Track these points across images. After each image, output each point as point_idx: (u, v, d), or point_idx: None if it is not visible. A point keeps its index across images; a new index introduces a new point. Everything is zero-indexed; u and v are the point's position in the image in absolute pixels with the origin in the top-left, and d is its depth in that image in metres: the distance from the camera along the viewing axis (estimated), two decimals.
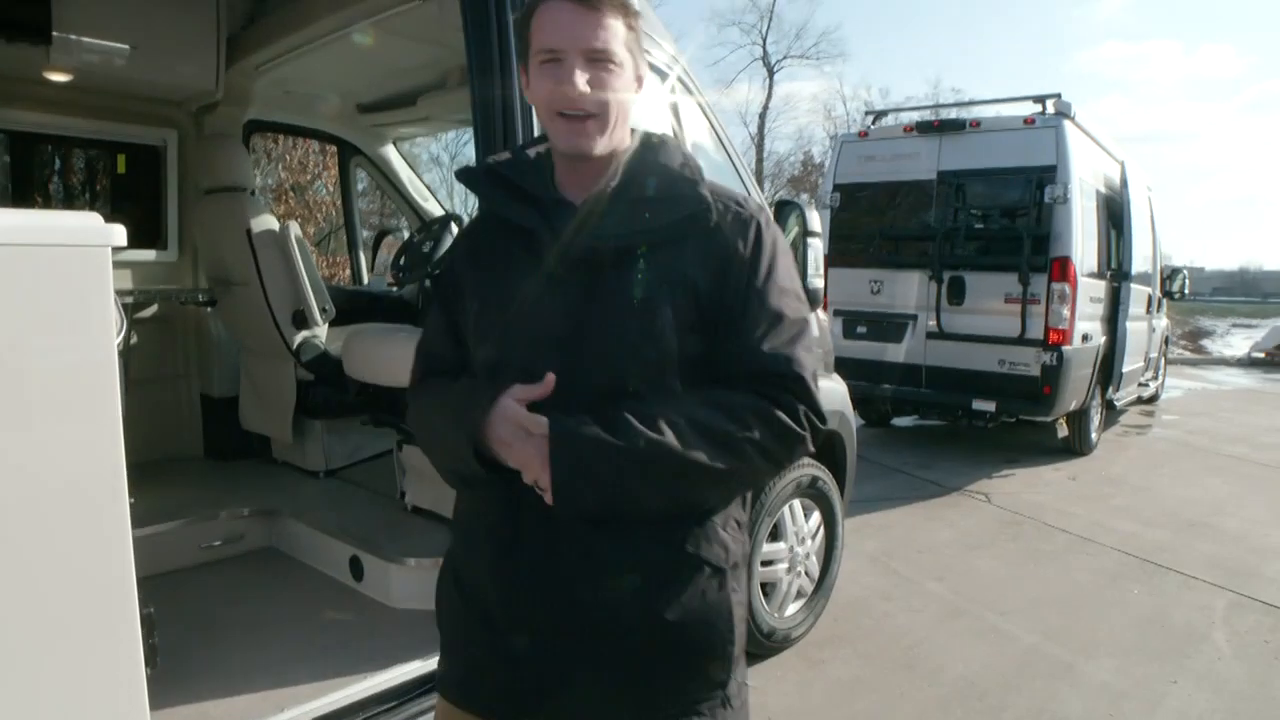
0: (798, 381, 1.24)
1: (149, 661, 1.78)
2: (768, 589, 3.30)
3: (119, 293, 3.81)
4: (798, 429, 1.23)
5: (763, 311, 1.25)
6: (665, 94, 2.75)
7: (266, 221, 3.47)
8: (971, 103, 11.37)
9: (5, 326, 1.48)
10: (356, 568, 2.84)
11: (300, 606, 2.74)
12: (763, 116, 28.18)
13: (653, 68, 2.69)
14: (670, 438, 1.16)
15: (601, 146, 1.26)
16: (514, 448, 1.18)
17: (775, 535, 3.28)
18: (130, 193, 4.08)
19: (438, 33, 3.10)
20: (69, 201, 4.23)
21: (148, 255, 3.98)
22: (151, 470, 3.56)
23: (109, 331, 1.64)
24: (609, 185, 1.27)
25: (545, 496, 1.17)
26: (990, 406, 6.78)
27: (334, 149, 5.13)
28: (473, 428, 1.20)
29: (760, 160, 27.12)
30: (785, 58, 29.09)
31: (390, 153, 4.91)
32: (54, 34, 3.00)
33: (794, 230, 2.96)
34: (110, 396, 1.68)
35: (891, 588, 4.24)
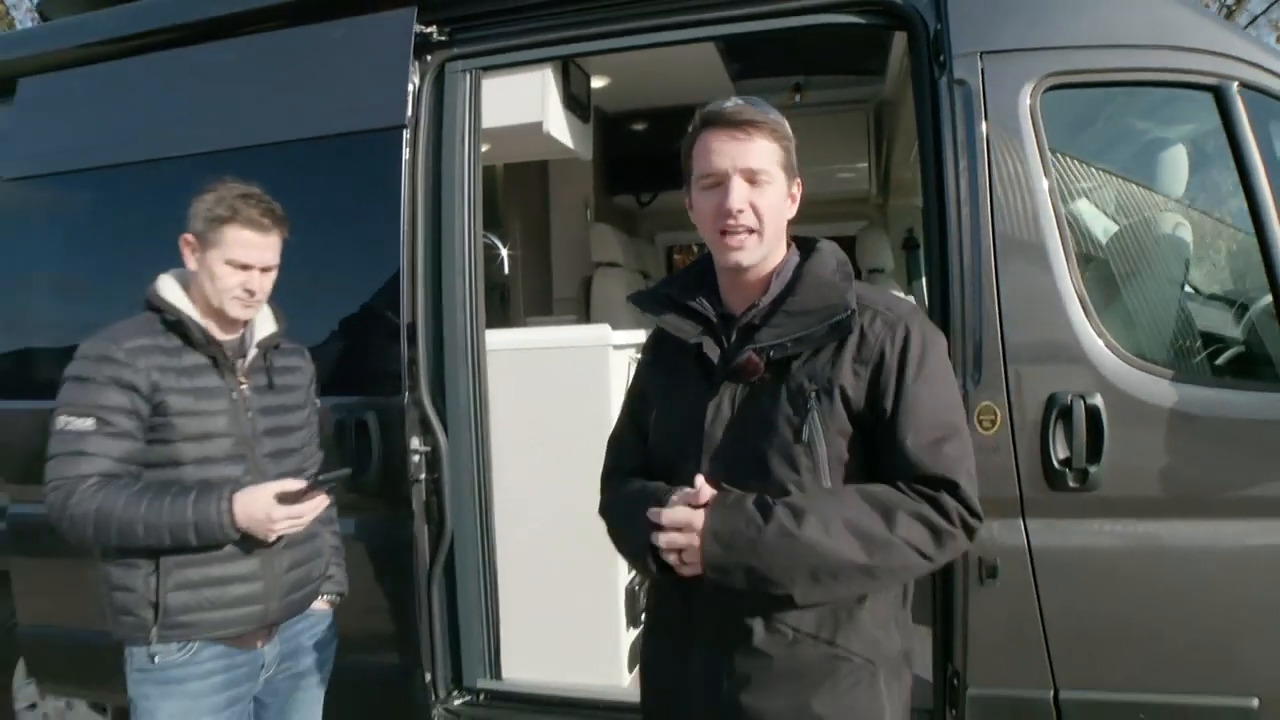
0: (948, 483, 1.29)
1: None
2: None
3: None
4: (949, 526, 1.29)
5: (911, 413, 1.31)
6: None
7: None
8: None
9: (565, 397, 2.44)
10: None
11: None
12: None
13: None
14: (815, 531, 1.25)
15: (757, 257, 1.38)
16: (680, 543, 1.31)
17: None
18: None
19: None
20: None
21: None
22: None
23: (608, 400, 2.43)
24: (764, 298, 1.40)
25: (687, 569, 1.31)
26: None
27: None
28: (646, 538, 1.35)
29: None
30: None
31: None
32: None
33: None
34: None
35: None
